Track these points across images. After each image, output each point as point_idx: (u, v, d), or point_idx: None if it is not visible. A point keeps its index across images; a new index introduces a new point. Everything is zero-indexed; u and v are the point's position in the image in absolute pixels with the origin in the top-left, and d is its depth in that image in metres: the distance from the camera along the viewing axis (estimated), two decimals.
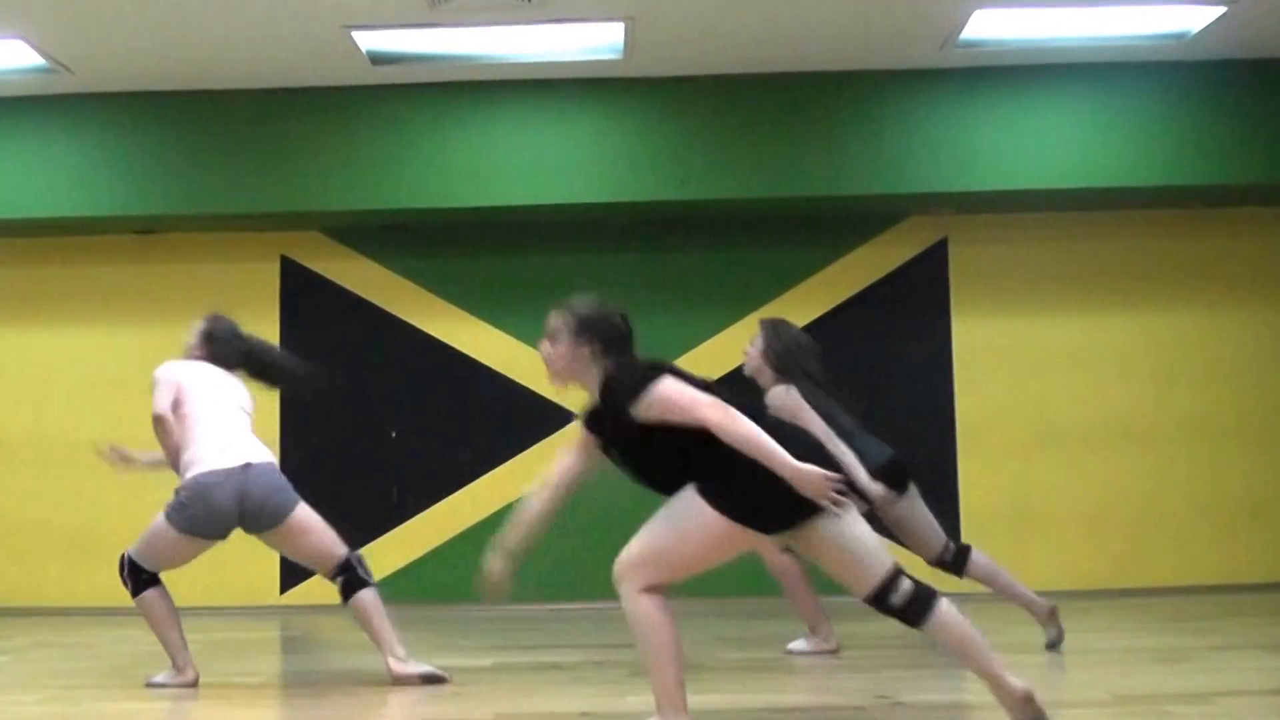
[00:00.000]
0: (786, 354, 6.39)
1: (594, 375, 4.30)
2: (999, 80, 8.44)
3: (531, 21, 7.52)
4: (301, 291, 9.08)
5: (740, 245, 9.03)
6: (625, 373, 4.24)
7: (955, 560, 6.53)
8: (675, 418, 4.08)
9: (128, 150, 8.67)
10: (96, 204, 8.69)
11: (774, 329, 6.51)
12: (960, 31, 7.76)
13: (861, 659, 6.37)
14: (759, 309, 8.91)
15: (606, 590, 8.33)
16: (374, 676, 5.91)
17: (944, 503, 8.78)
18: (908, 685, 5.48)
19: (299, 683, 6.28)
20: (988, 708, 5.07)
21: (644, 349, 8.82)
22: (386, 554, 8.78)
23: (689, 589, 7.68)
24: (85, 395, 9.14)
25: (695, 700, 5.18)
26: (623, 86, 8.49)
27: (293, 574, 8.75)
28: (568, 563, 8.59)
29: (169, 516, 5.78)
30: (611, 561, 8.40)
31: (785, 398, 6.25)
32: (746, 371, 6.55)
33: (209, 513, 5.71)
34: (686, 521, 4.15)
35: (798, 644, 6.41)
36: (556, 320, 4.37)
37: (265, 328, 8.99)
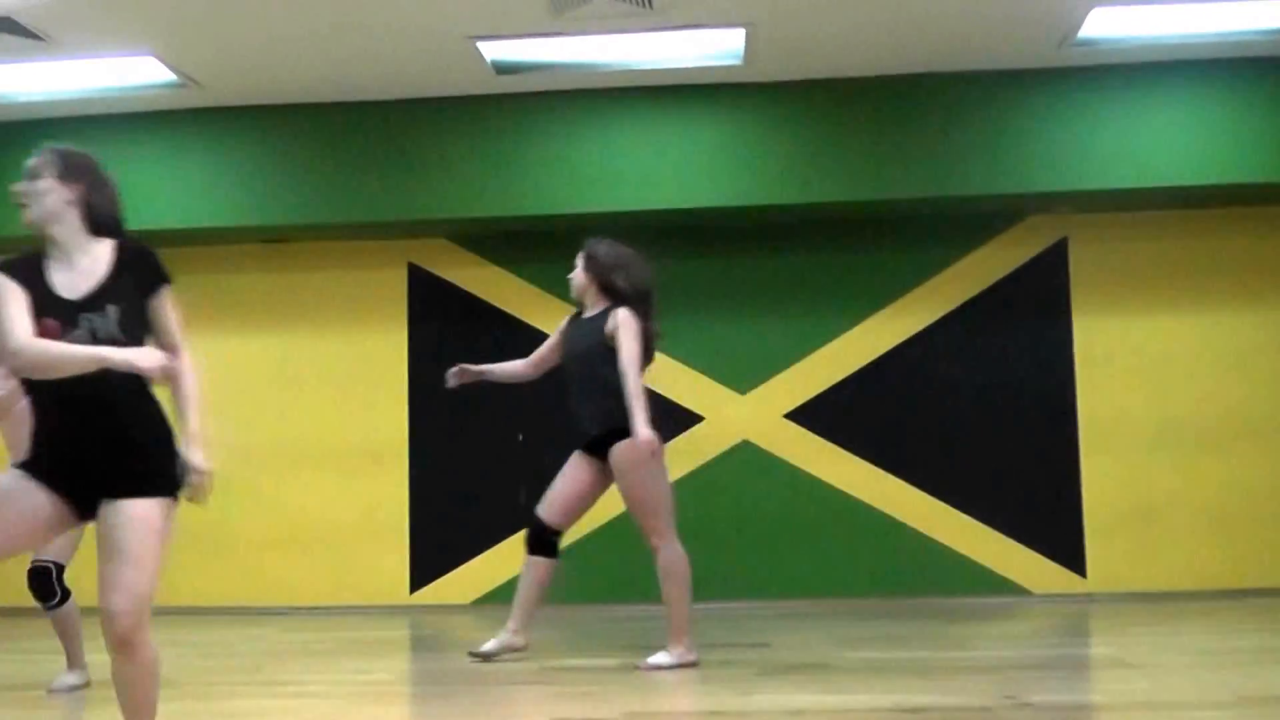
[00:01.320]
0: (608, 270, 6.40)
1: (71, 221, 3.76)
2: (1117, 78, 8.37)
3: (653, 29, 7.60)
4: (428, 297, 9.23)
5: (861, 248, 9.04)
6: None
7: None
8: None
9: (257, 161, 8.90)
10: (227, 214, 8.93)
11: (595, 246, 6.50)
12: (1078, 30, 7.73)
13: (988, 659, 6.39)
14: (879, 310, 8.96)
15: (734, 590, 8.46)
16: (503, 675, 6.03)
17: (1067, 502, 8.78)
18: (1035, 686, 5.48)
19: (428, 681, 6.39)
20: (1115, 709, 5.09)
21: (767, 351, 8.88)
22: (514, 556, 8.90)
23: (810, 589, 7.77)
24: (214, 401, 9.37)
25: (823, 700, 5.24)
26: (743, 92, 8.53)
27: (423, 574, 8.92)
28: (696, 563, 8.67)
29: None
30: (742, 560, 8.47)
31: (622, 320, 6.26)
32: (574, 295, 6.59)
33: None
34: None
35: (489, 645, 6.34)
36: (37, 160, 3.83)
37: (393, 333, 9.20)
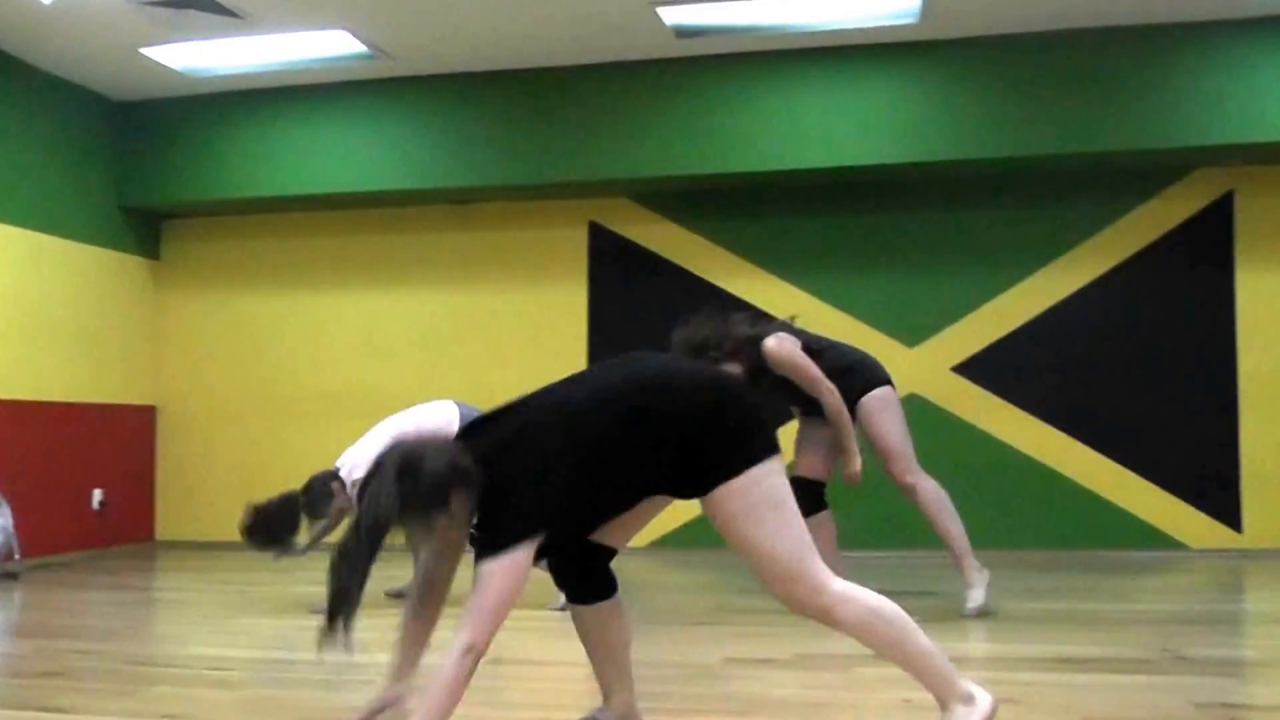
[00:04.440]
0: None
1: None
2: None
3: None
4: (608, 255, 9.57)
5: (1029, 203, 9.10)
6: None
7: None
8: None
9: (445, 127, 9.29)
10: (415, 177, 9.35)
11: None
12: None
13: (1147, 613, 6.49)
14: (1046, 265, 9.02)
15: (900, 540, 8.44)
16: (681, 615, 6.24)
17: (1225, 458, 8.74)
18: (1193, 639, 5.53)
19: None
20: (1273, 664, 5.19)
21: (936, 305, 8.92)
22: (685, 504, 9.14)
23: (975, 541, 7.83)
24: (401, 355, 9.90)
25: (989, 648, 5.42)
26: (918, 50, 8.60)
27: None
28: (863, 514, 8.77)
29: None
30: (908, 512, 8.43)
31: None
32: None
33: None
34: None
35: None
36: None
37: (574, 290, 9.51)
